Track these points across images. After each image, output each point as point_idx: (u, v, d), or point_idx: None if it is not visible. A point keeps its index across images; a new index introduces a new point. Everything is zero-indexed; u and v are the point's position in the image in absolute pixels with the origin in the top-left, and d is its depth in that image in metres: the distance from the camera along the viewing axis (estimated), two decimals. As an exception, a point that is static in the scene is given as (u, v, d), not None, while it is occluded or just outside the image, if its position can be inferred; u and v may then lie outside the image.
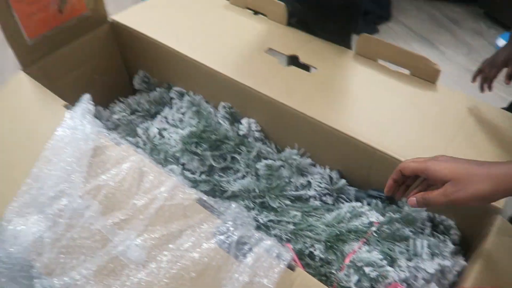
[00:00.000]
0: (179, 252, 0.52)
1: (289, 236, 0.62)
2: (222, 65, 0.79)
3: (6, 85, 0.79)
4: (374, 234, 0.58)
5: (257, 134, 0.77)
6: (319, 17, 0.96)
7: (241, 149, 0.75)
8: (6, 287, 0.58)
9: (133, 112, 0.89)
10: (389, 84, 0.76)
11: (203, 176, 0.74)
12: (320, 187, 0.68)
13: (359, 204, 0.63)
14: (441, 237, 0.58)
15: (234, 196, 0.69)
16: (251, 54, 0.82)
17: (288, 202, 0.68)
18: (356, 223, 0.60)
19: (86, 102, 0.67)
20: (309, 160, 0.73)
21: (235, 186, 0.70)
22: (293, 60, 0.82)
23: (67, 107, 0.69)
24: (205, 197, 0.56)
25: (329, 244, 0.58)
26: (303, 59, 0.80)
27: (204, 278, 0.50)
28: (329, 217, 0.63)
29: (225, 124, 0.79)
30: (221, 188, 0.71)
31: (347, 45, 1.00)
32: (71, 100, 0.70)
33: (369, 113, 0.69)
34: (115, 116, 0.86)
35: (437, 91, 0.74)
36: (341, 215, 0.62)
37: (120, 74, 1.02)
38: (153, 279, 0.51)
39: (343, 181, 0.69)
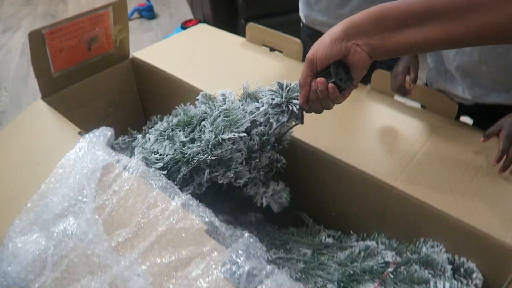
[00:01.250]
0: (186, 281, 0.50)
1: (299, 275, 0.59)
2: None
3: (25, 112, 0.80)
4: (391, 275, 0.55)
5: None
6: None
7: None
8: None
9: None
10: (403, 119, 0.76)
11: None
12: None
13: (373, 243, 0.61)
14: (463, 280, 0.54)
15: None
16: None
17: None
18: (371, 263, 0.57)
19: (101, 131, 0.68)
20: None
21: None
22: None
23: (81, 134, 0.69)
24: (217, 223, 0.54)
25: (342, 284, 0.55)
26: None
27: (210, 310, 0.47)
28: (342, 256, 0.60)
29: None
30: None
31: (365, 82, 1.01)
32: (86, 129, 0.70)
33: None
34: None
35: (454, 125, 0.74)
36: (355, 254, 0.59)
37: (134, 108, 1.04)
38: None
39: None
